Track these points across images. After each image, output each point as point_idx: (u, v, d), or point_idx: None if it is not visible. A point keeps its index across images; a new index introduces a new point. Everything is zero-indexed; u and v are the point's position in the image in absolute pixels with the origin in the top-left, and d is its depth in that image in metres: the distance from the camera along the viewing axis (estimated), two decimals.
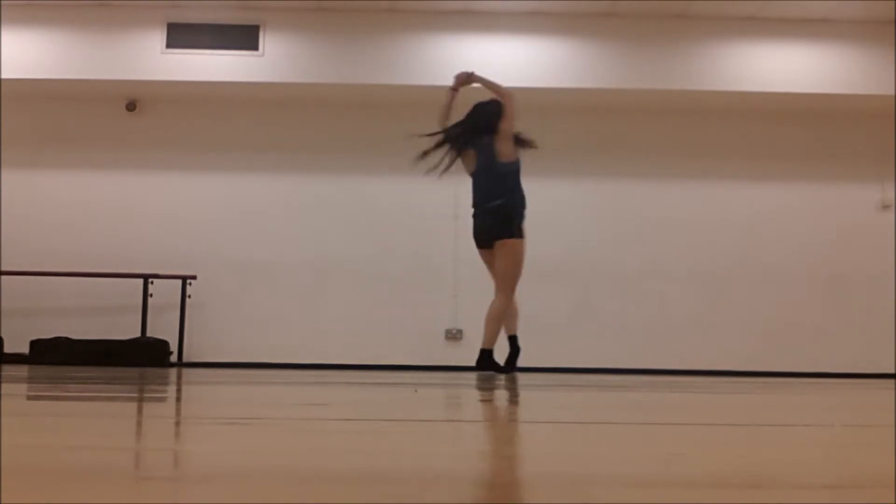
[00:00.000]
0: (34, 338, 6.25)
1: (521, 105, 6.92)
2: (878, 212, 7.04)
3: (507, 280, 4.88)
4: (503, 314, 4.88)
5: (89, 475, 1.01)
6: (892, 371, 6.55)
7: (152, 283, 6.50)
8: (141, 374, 4.38)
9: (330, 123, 7.01)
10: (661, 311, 6.90)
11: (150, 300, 6.47)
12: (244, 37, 6.63)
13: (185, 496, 0.89)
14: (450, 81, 6.68)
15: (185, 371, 5.29)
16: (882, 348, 6.72)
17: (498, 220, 4.91)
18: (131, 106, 6.96)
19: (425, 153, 5.01)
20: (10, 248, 6.72)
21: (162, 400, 2.69)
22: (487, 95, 5.03)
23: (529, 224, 6.94)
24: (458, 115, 4.98)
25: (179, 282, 6.58)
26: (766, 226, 7.01)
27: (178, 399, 2.75)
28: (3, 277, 6.56)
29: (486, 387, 3.59)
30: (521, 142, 5.05)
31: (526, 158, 6.99)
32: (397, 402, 2.65)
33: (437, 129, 5.01)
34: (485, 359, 4.85)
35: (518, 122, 4.96)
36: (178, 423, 1.82)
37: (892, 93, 6.60)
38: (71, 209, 6.90)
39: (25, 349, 6.21)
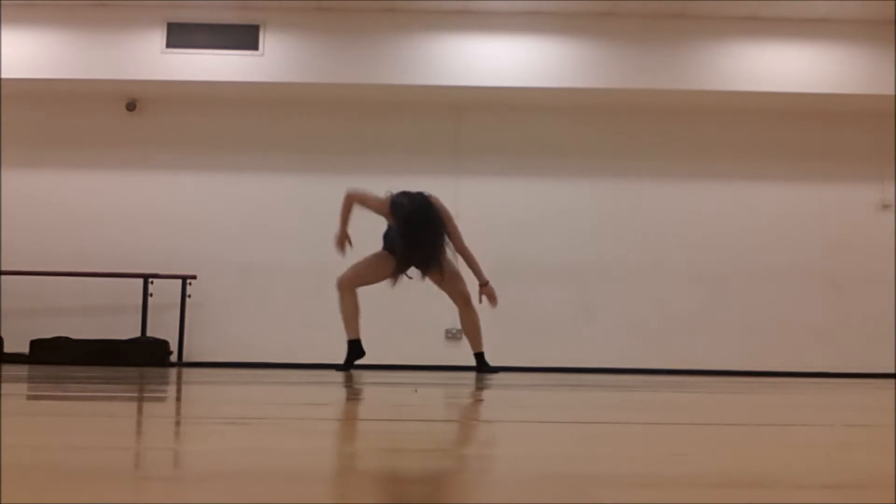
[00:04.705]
0: (34, 338, 6.25)
1: (519, 105, 6.94)
2: (878, 212, 7.04)
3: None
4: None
5: (89, 475, 1.01)
6: (892, 371, 6.55)
7: (152, 283, 6.49)
8: (141, 374, 4.38)
9: (330, 123, 7.01)
10: (661, 311, 6.90)
11: (150, 300, 6.47)
12: (244, 37, 6.63)
13: (185, 496, 0.89)
14: (449, 81, 6.71)
15: (185, 371, 5.29)
16: (882, 348, 6.72)
17: None
18: (131, 106, 6.96)
19: None
20: (10, 248, 6.72)
21: (162, 400, 2.69)
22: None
23: (529, 223, 6.97)
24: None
25: (179, 282, 6.58)
26: (766, 226, 7.01)
27: (178, 399, 2.75)
28: (3, 277, 6.56)
29: (481, 387, 3.59)
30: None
31: (524, 158, 7.02)
32: (397, 401, 2.65)
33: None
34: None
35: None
36: (178, 423, 1.82)
37: (892, 93, 6.60)
38: (71, 209, 6.89)
39: (25, 349, 6.21)
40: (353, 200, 5.22)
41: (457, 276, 5.23)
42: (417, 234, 4.99)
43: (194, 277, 6.62)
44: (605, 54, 6.71)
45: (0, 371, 4.50)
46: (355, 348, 5.25)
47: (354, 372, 5.16)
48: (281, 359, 6.54)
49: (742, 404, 2.85)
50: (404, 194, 5.07)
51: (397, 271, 5.17)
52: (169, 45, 6.61)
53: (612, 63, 6.69)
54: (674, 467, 1.17)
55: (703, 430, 1.76)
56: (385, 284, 5.37)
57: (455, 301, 5.29)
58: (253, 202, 6.95)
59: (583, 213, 6.99)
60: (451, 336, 6.75)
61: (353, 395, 2.98)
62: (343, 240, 5.25)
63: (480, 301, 5.21)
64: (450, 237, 5.11)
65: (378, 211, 5.11)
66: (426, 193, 5.10)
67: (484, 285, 5.17)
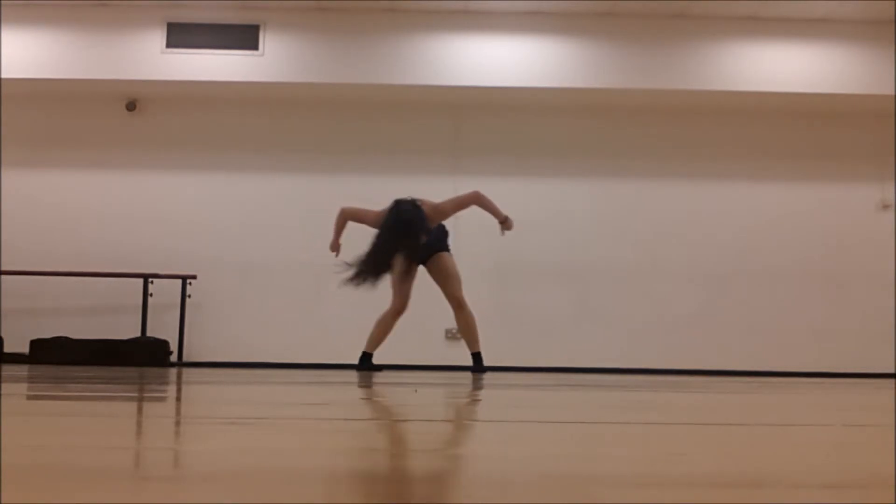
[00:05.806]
0: (34, 338, 6.25)
1: (519, 105, 6.95)
2: (878, 212, 7.04)
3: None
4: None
5: (89, 475, 1.01)
6: (892, 371, 6.55)
7: (152, 283, 6.49)
8: (141, 374, 4.38)
9: (330, 123, 7.01)
10: (661, 310, 6.90)
11: (150, 300, 6.47)
12: (244, 37, 6.63)
13: (185, 496, 0.89)
14: (449, 81, 6.72)
15: (185, 371, 5.29)
16: (882, 348, 6.72)
17: None
18: (131, 106, 6.96)
19: None
20: (10, 248, 6.72)
21: (162, 400, 2.69)
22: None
23: (529, 223, 6.97)
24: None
25: (179, 282, 6.58)
26: (766, 226, 7.01)
27: (178, 399, 2.75)
28: (3, 277, 6.56)
29: (480, 387, 3.59)
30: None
31: (524, 158, 7.02)
32: (397, 401, 2.66)
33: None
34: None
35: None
36: (178, 423, 1.82)
37: (892, 93, 6.60)
38: (71, 209, 6.89)
39: (25, 349, 6.21)
40: (346, 216, 5.42)
41: (450, 273, 5.36)
42: (401, 228, 5.09)
43: (194, 277, 6.62)
44: (605, 54, 6.70)
45: (0, 371, 4.50)
46: (371, 365, 5.48)
47: (356, 373, 5.16)
48: (281, 359, 6.54)
49: (742, 404, 2.85)
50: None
51: (410, 263, 5.31)
52: (169, 45, 6.61)
53: (612, 63, 6.69)
54: (674, 467, 1.17)
55: (703, 430, 1.76)
56: (380, 286, 5.43)
57: (449, 302, 5.40)
58: (253, 202, 6.95)
59: (583, 213, 6.99)
60: (451, 336, 6.74)
61: (353, 395, 2.98)
62: (335, 248, 5.43)
63: (503, 234, 5.39)
64: (448, 212, 5.31)
65: (375, 224, 5.20)
66: (414, 199, 5.21)
67: (503, 221, 5.34)
